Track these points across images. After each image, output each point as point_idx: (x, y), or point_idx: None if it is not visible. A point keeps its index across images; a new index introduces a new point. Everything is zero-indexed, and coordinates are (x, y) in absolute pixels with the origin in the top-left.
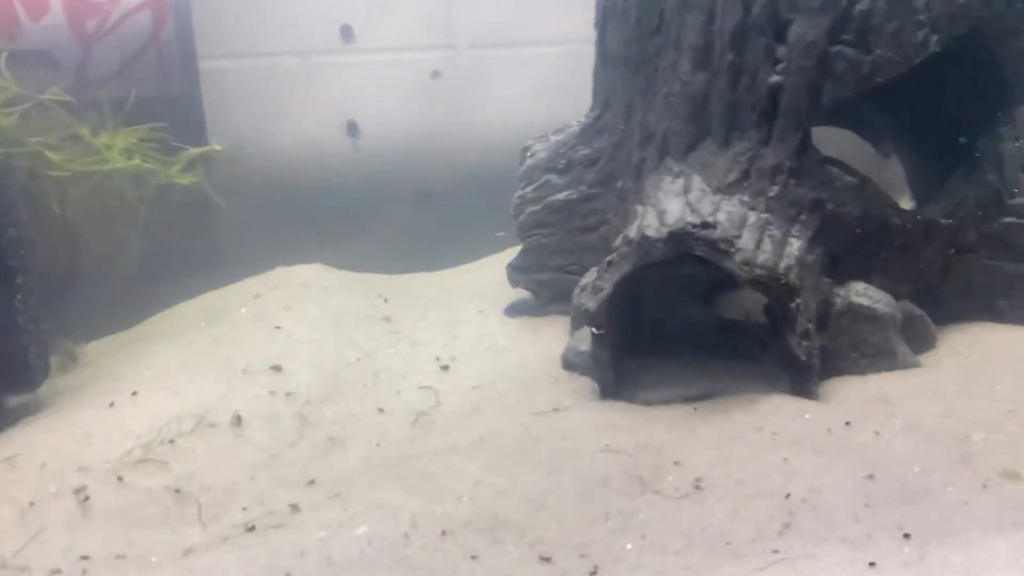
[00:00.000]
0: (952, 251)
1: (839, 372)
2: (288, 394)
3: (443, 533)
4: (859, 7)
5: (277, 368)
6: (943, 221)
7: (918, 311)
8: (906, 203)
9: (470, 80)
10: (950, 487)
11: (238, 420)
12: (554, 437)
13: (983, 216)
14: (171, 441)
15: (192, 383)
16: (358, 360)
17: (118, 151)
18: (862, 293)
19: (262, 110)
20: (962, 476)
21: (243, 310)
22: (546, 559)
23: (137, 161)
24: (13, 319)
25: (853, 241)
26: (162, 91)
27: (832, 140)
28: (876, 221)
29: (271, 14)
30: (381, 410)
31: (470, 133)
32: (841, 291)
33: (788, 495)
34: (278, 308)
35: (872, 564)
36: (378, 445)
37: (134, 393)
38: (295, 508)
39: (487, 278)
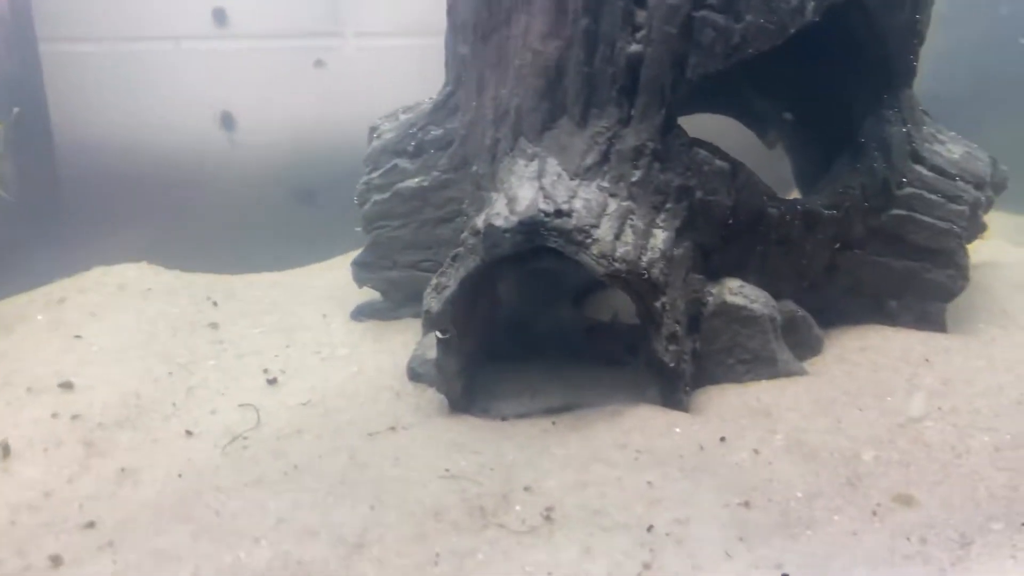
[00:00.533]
0: (837, 246)
1: (714, 380)
2: (74, 417)
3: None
4: None
5: (67, 385)
6: (826, 212)
7: (801, 312)
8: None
9: (358, 70)
10: (836, 515)
11: (6, 450)
12: (385, 462)
13: (870, 208)
14: None
15: None
16: (170, 374)
17: None
18: (737, 291)
19: (121, 98)
20: (850, 502)
21: (40, 317)
22: None
23: None
24: None
25: (726, 233)
26: None
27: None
28: (751, 211)
29: None
30: (189, 433)
31: (359, 127)
32: (714, 289)
33: (650, 527)
34: (83, 314)
35: None
36: (180, 476)
37: None
38: (56, 560)
39: (339, 278)
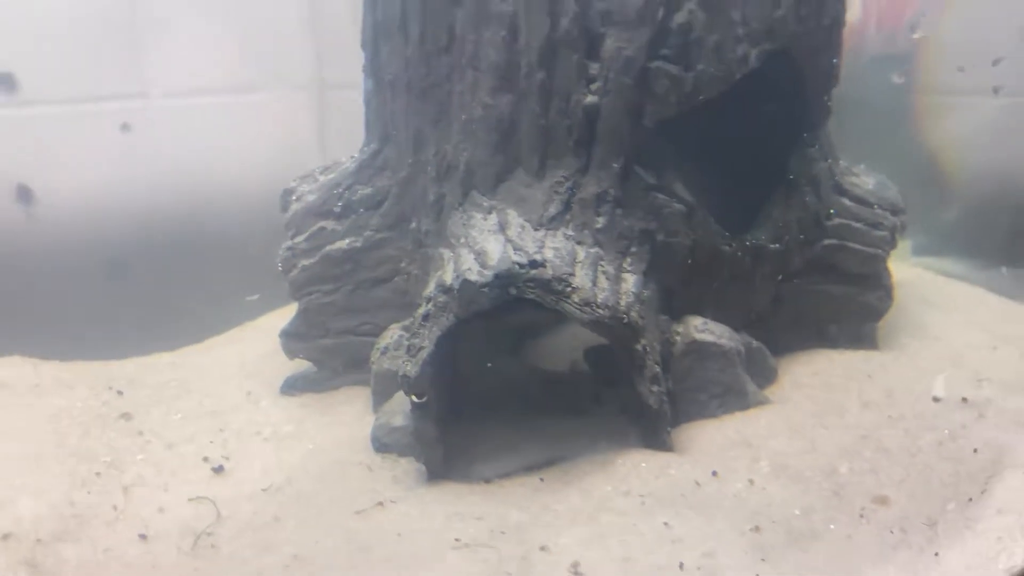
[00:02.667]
0: (780, 278)
1: (689, 417)
2: (5, 536)
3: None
4: (678, 19)
5: None
6: (771, 246)
7: (756, 343)
8: None
9: (167, 132)
10: (832, 524)
11: None
12: (388, 540)
13: (806, 239)
14: None
15: None
16: (98, 475)
17: None
18: (703, 329)
19: None
20: (839, 511)
21: None
22: None
23: None
24: None
25: (686, 273)
26: None
27: None
28: (707, 250)
29: None
30: (143, 537)
31: (173, 190)
32: (680, 328)
33: (682, 564)
34: None
35: None
36: None
37: None
38: None
39: (247, 352)
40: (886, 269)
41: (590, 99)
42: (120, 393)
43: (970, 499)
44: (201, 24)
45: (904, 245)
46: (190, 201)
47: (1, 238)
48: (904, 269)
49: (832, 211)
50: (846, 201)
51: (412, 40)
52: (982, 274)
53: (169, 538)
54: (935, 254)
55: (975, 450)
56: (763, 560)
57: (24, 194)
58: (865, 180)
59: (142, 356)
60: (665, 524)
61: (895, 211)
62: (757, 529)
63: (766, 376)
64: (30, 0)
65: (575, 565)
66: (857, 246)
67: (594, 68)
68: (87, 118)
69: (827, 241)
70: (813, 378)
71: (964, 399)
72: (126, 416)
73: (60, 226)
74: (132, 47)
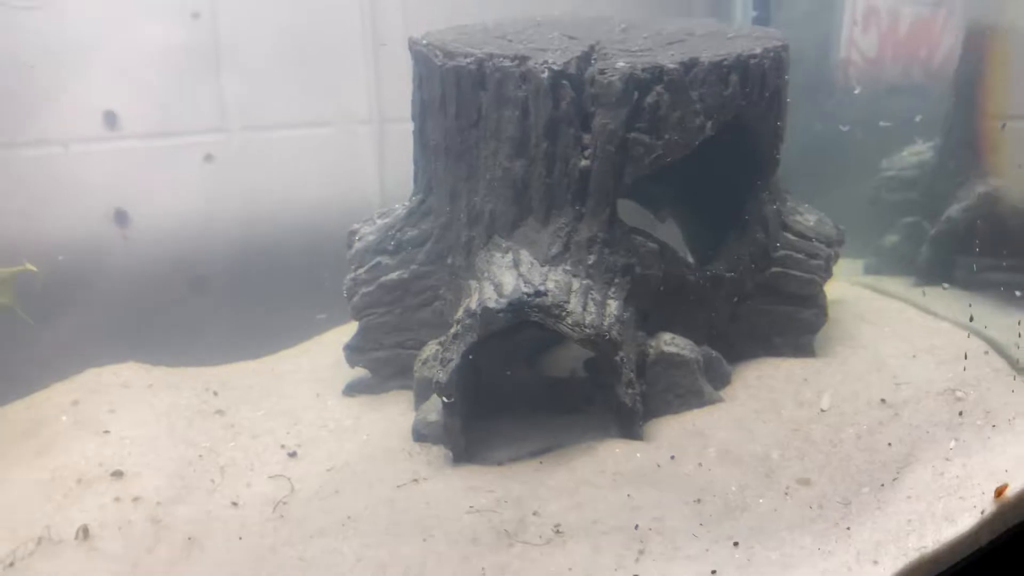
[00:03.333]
0: (736, 300)
1: (657, 414)
2: (135, 499)
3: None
4: (648, 100)
5: (118, 474)
6: (727, 275)
7: (715, 353)
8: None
9: (245, 162)
10: (761, 499)
11: (85, 532)
12: (420, 507)
13: (756, 268)
14: (11, 564)
15: (21, 500)
16: (200, 457)
17: None
18: (670, 342)
19: (23, 205)
20: (769, 488)
21: (64, 418)
22: None
23: None
24: None
25: (658, 298)
26: None
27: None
28: (675, 279)
29: (28, 101)
30: (235, 504)
31: (251, 215)
32: (652, 342)
33: (637, 526)
34: (102, 412)
35: (714, 572)
36: (240, 539)
37: None
38: None
39: (316, 361)
40: (821, 291)
41: (583, 163)
42: (215, 393)
43: (882, 485)
44: (276, 64)
45: (857, 264)
46: (265, 225)
47: (101, 256)
48: (847, 288)
49: (778, 244)
50: (790, 236)
51: (449, 116)
52: (912, 292)
53: (254, 505)
54: (880, 273)
55: (889, 444)
56: (701, 525)
57: (121, 217)
58: (807, 217)
59: (230, 363)
60: (628, 496)
61: (829, 243)
62: (699, 501)
63: (722, 380)
64: (129, 48)
65: (557, 526)
66: (797, 273)
67: (586, 139)
68: (175, 150)
69: (774, 269)
70: (759, 381)
71: (883, 400)
72: (220, 412)
73: (151, 246)
74: (215, 86)
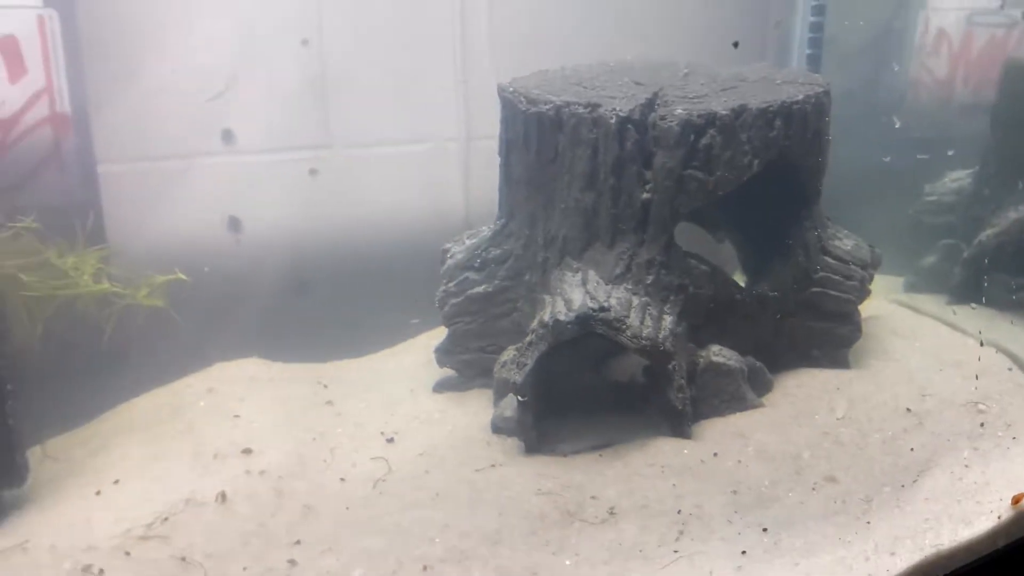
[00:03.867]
0: (779, 316)
1: (705, 416)
2: (261, 472)
3: (424, 568)
4: (703, 142)
5: (248, 451)
6: (771, 294)
7: (759, 364)
8: (739, 277)
9: (346, 176)
10: (790, 493)
11: (223, 497)
12: (496, 488)
13: (798, 288)
14: (166, 519)
15: (171, 469)
16: (313, 440)
17: (88, 275)
18: (718, 353)
19: (152, 210)
20: (798, 484)
21: (201, 403)
22: None
23: (106, 285)
24: (4, 420)
25: (708, 314)
26: (65, 200)
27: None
28: (725, 298)
29: (158, 119)
30: (343, 480)
31: (349, 225)
32: (703, 353)
33: (679, 511)
34: (233, 400)
35: (744, 552)
36: (347, 508)
37: (116, 481)
38: (292, 563)
39: (410, 361)
40: (856, 310)
41: (645, 196)
42: (325, 387)
43: (903, 486)
44: (375, 87)
45: (898, 281)
46: (363, 233)
47: (218, 259)
48: (885, 304)
49: (818, 267)
50: (829, 259)
51: (531, 153)
52: (944, 310)
53: (358, 481)
54: (919, 291)
55: (912, 449)
56: (735, 512)
57: (234, 224)
58: (845, 242)
59: (337, 361)
60: (673, 485)
61: (864, 266)
62: (735, 492)
63: (764, 387)
64: (244, 71)
65: (611, 508)
66: (835, 293)
67: (648, 175)
68: (284, 164)
69: (813, 289)
70: (797, 389)
71: (908, 409)
72: (330, 403)
73: (260, 250)
74: (321, 106)
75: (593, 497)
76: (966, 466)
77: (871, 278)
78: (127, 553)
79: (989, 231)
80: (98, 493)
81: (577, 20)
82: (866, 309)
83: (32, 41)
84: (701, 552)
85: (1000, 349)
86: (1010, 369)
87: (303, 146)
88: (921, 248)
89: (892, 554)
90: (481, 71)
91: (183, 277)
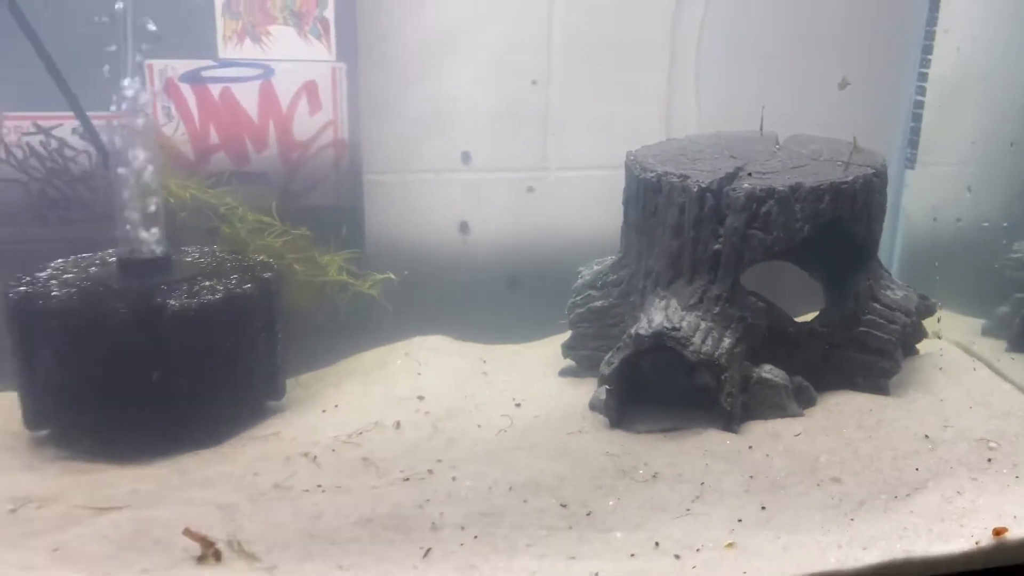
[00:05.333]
0: (827, 347)
1: (752, 418)
2: (427, 413)
3: (510, 489)
4: (763, 210)
5: (421, 398)
6: (821, 330)
7: (805, 383)
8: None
9: (556, 194)
10: (798, 485)
11: (398, 424)
12: (577, 446)
13: (846, 327)
14: (360, 434)
15: (369, 403)
16: (465, 397)
17: (334, 269)
18: (768, 371)
19: (404, 214)
20: (807, 479)
21: (398, 362)
22: (564, 505)
23: (344, 277)
24: (274, 356)
25: (764, 341)
26: (338, 202)
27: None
28: (778, 330)
29: (413, 141)
30: (479, 426)
31: (553, 235)
32: (756, 370)
33: (703, 483)
34: (420, 363)
35: (740, 520)
36: (475, 445)
37: (336, 406)
38: (430, 472)
39: (551, 351)
40: (898, 349)
41: (717, 247)
42: (484, 362)
43: (896, 497)
44: (586, 120)
45: (977, 324)
46: (563, 243)
47: (450, 256)
48: (942, 343)
49: (866, 312)
50: (877, 306)
51: (640, 207)
52: (995, 355)
53: (488, 428)
54: (993, 336)
55: (916, 469)
56: (746, 491)
57: (464, 227)
58: (897, 292)
59: (500, 344)
60: (707, 464)
61: (908, 314)
62: (752, 477)
63: (808, 402)
64: (482, 105)
65: (655, 474)
66: (879, 334)
67: (720, 231)
68: (508, 181)
69: (860, 328)
70: (835, 407)
71: (926, 436)
72: (484, 374)
73: (482, 249)
74: (541, 135)
75: (645, 463)
76: (959, 492)
77: (916, 324)
78: (333, 451)
79: None
80: (324, 411)
81: (769, 75)
82: (924, 346)
83: (326, 85)
84: (706, 514)
85: None
86: None
87: (524, 167)
88: (1000, 298)
89: (864, 548)
90: (682, 113)
91: (392, 277)
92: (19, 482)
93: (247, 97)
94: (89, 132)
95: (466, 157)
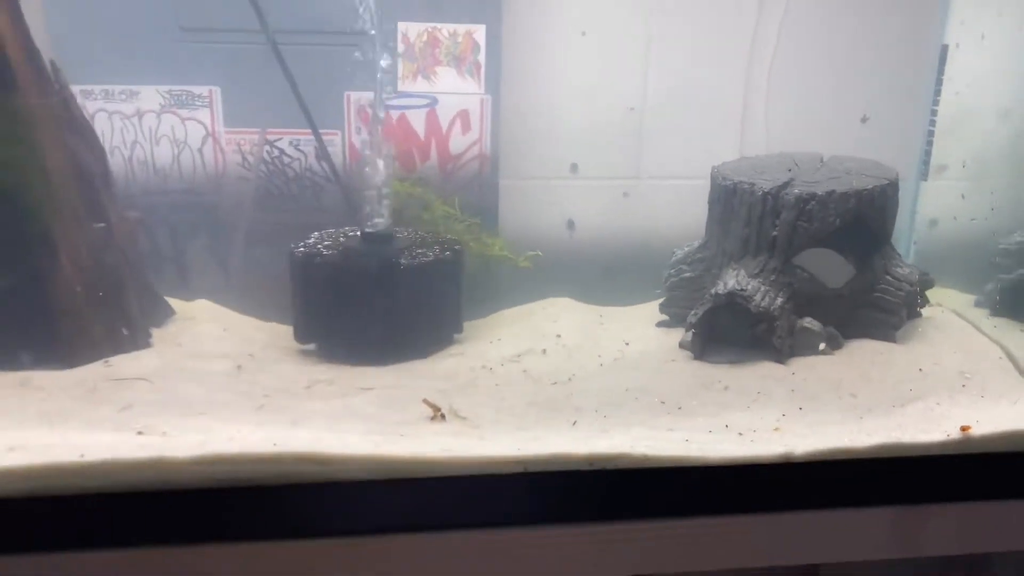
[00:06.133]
0: (852, 307)
1: (796, 356)
2: (563, 345)
3: (625, 390)
4: (807, 207)
5: (558, 336)
6: (847, 293)
7: (835, 332)
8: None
9: (646, 199)
10: (826, 396)
11: (544, 351)
12: (670, 369)
13: (865, 292)
14: (518, 356)
15: (523, 337)
16: (589, 338)
17: (498, 247)
18: (808, 322)
19: (526, 212)
20: (832, 393)
21: (538, 313)
22: (663, 402)
23: (506, 253)
24: (460, 299)
25: (806, 300)
26: (480, 201)
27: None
28: (816, 293)
29: (535, 155)
30: (599, 356)
31: (643, 233)
32: (799, 321)
33: (759, 392)
34: (553, 315)
35: (784, 415)
36: (599, 365)
37: (499, 339)
38: (570, 380)
39: (648, 312)
40: (903, 309)
41: (774, 234)
42: (601, 316)
43: (893, 407)
44: (674, 136)
45: (970, 298)
46: (651, 239)
47: (558, 247)
48: (943, 311)
49: (879, 282)
50: (888, 278)
51: (720, 205)
52: (979, 319)
53: (606, 359)
54: (980, 307)
55: (910, 390)
56: (789, 399)
57: (570, 225)
58: (903, 269)
59: (612, 306)
60: (762, 382)
61: (911, 284)
62: (794, 391)
63: (837, 345)
64: (586, 124)
65: (726, 387)
66: (889, 298)
67: (776, 223)
68: (607, 188)
69: (875, 294)
70: (856, 349)
71: (920, 369)
72: (602, 324)
73: (584, 244)
74: (635, 149)
75: (718, 380)
76: (938, 404)
77: (917, 292)
78: (502, 365)
79: (1018, 272)
80: (491, 342)
81: (819, 109)
82: (927, 311)
83: (476, 112)
84: (760, 411)
85: (1002, 347)
86: (1000, 358)
87: (621, 176)
88: (988, 278)
89: (868, 436)
90: (753, 138)
91: (539, 254)
92: (304, 371)
93: (417, 121)
94: (321, 148)
95: (574, 167)
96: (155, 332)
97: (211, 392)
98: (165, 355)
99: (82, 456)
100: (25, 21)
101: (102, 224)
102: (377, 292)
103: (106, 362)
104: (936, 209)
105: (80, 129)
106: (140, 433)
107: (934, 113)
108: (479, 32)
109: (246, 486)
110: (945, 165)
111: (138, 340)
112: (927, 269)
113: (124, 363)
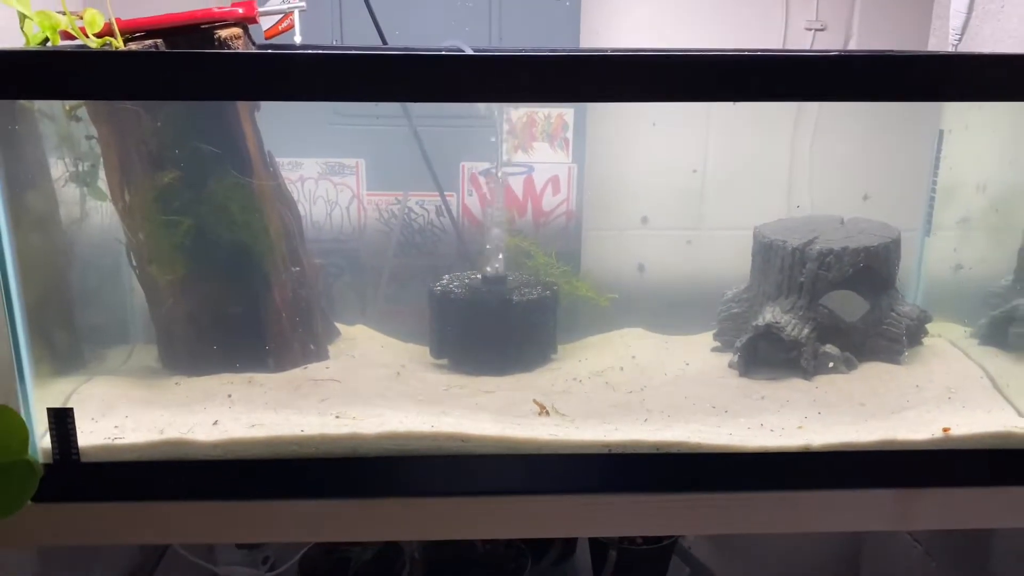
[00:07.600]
0: (864, 336)
1: (818, 374)
2: (637, 364)
3: (685, 398)
4: (827, 260)
5: (633, 357)
6: (861, 325)
7: (851, 356)
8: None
9: (705, 247)
10: (841, 405)
11: (622, 368)
12: (720, 383)
13: (875, 325)
14: (601, 372)
15: (604, 358)
16: (657, 359)
17: (584, 288)
18: (829, 348)
19: (603, 257)
20: (846, 403)
21: (615, 340)
22: (713, 407)
23: (592, 294)
24: (555, 327)
25: (828, 331)
26: (567, 249)
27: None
28: (836, 325)
29: (612, 209)
30: (666, 372)
31: (701, 274)
32: (822, 347)
33: (787, 400)
34: (629, 341)
35: (806, 417)
36: (665, 379)
37: (585, 359)
38: (642, 389)
39: (706, 339)
40: (904, 339)
41: (801, 280)
42: (665, 342)
43: (892, 413)
44: (725, 196)
45: (967, 330)
46: (703, 280)
47: (630, 288)
48: (941, 340)
49: (886, 317)
50: (893, 313)
51: (760, 257)
52: (971, 348)
53: (672, 374)
54: (977, 339)
55: (907, 400)
56: (811, 406)
57: (641, 268)
58: (905, 306)
59: (676, 336)
60: (790, 393)
61: (911, 319)
62: (815, 401)
63: (851, 368)
64: (655, 185)
65: (763, 396)
66: (894, 330)
67: (803, 272)
68: (673, 238)
69: (883, 326)
70: (868, 370)
71: (916, 385)
72: (667, 349)
73: (652, 284)
74: (698, 206)
75: (757, 391)
76: (928, 412)
77: (917, 326)
78: (588, 378)
79: (1002, 309)
80: (579, 361)
81: (848, 183)
82: (928, 341)
83: (564, 177)
84: (788, 413)
85: (984, 369)
86: (981, 378)
87: (684, 227)
88: (984, 314)
89: (870, 434)
90: (798, 196)
91: (616, 296)
92: (443, 379)
93: (516, 185)
94: (446, 208)
95: (644, 220)
96: (331, 348)
97: (381, 390)
98: (344, 364)
99: (302, 431)
100: (256, 121)
101: (297, 268)
102: (495, 321)
103: (304, 368)
104: (937, 258)
105: (285, 198)
106: (337, 417)
107: (934, 185)
108: (568, 114)
109: (411, 455)
110: (967, 217)
111: (321, 353)
112: (931, 308)
113: (316, 369)
